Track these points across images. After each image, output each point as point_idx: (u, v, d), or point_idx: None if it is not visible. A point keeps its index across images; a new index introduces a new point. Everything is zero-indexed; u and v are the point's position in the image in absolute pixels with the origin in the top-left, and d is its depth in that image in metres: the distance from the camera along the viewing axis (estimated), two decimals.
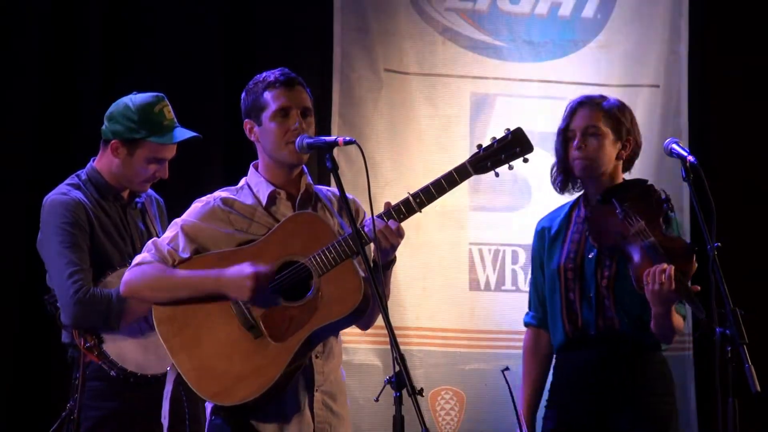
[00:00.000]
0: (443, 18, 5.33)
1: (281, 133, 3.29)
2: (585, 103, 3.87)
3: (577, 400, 3.79)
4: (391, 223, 3.19)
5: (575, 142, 3.83)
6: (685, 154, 3.62)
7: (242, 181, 3.39)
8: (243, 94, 3.38)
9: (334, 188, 3.46)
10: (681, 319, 3.72)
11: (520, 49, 5.40)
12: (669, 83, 5.51)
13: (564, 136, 3.87)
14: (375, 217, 3.18)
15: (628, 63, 5.49)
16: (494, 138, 3.30)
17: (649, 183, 3.86)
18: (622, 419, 3.73)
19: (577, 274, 3.79)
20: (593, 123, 3.82)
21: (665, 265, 3.55)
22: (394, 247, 3.22)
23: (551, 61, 5.42)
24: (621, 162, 3.90)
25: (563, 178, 3.92)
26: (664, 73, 5.51)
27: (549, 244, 3.89)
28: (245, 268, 3.16)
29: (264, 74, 3.35)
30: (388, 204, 3.25)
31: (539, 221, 4.00)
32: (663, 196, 3.80)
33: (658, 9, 5.53)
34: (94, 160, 3.84)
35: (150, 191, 3.94)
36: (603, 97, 3.90)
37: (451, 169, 3.26)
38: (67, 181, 3.81)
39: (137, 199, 3.89)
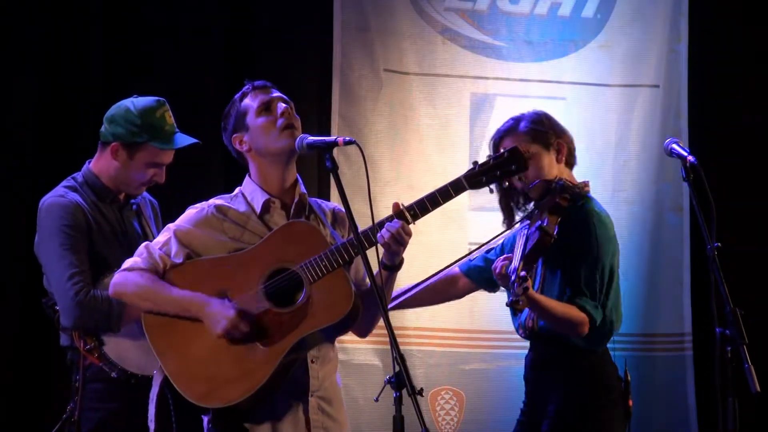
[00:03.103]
0: (443, 18, 5.33)
1: (272, 122, 3.32)
2: (505, 135, 3.84)
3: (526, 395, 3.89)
4: (396, 223, 3.20)
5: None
6: (685, 154, 3.62)
7: (236, 190, 3.41)
8: (222, 123, 3.42)
9: (327, 202, 3.51)
10: (580, 313, 3.70)
11: (520, 49, 5.40)
12: (669, 83, 5.51)
13: None
14: (376, 224, 3.21)
15: (628, 63, 5.49)
16: (490, 155, 3.31)
17: (558, 180, 3.84)
18: (545, 422, 3.76)
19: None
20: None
21: (500, 260, 3.61)
22: (404, 248, 3.23)
23: (551, 61, 5.42)
24: (562, 163, 3.89)
25: (509, 211, 3.92)
26: (664, 73, 5.51)
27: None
28: (229, 311, 3.17)
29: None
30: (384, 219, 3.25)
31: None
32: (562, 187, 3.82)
33: (658, 8, 5.53)
34: (89, 162, 3.84)
35: (144, 193, 3.94)
36: (517, 120, 3.88)
37: (447, 183, 3.27)
38: (64, 183, 3.80)
39: (132, 201, 3.88)
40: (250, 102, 3.35)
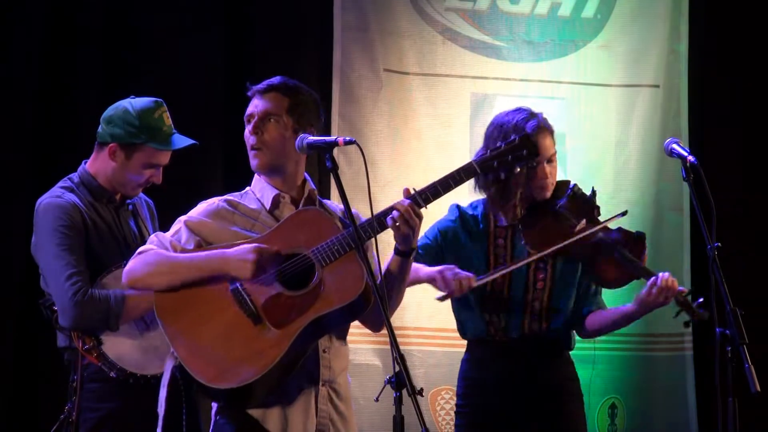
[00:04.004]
0: (443, 18, 5.33)
1: (246, 140, 3.37)
2: (541, 130, 3.79)
3: (493, 397, 3.79)
4: (404, 201, 3.20)
5: (543, 172, 3.80)
6: (685, 154, 3.63)
7: (246, 189, 3.42)
8: None
9: (335, 203, 3.50)
10: None
11: (520, 49, 5.40)
12: (669, 83, 5.51)
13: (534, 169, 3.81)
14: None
15: (628, 63, 5.49)
16: (501, 141, 3.33)
17: (572, 183, 3.86)
18: (536, 420, 3.76)
19: (507, 278, 3.80)
20: (553, 150, 3.83)
21: (669, 278, 3.57)
22: (414, 231, 3.22)
23: (551, 61, 5.42)
24: None
25: (512, 204, 3.84)
26: (664, 73, 5.51)
27: (471, 237, 3.85)
28: (247, 247, 3.18)
29: None
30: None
31: (455, 205, 3.95)
32: (590, 192, 3.83)
33: (658, 8, 5.53)
34: (85, 163, 3.83)
35: (140, 193, 3.93)
36: (539, 118, 3.83)
37: (458, 168, 3.28)
38: (60, 184, 3.80)
39: (128, 201, 3.88)
40: (247, 108, 3.39)
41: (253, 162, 3.35)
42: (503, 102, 5.32)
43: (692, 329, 5.42)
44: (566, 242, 3.72)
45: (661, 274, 3.67)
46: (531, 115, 3.82)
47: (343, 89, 5.18)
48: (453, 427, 5.18)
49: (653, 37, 5.50)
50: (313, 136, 3.26)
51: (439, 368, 5.19)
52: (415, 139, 5.26)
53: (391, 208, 3.21)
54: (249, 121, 3.36)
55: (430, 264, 3.79)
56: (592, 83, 5.45)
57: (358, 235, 3.10)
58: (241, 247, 3.19)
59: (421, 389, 2.83)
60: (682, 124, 5.52)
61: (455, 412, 3.89)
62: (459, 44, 5.34)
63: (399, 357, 2.84)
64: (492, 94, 5.35)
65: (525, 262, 3.75)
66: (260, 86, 3.38)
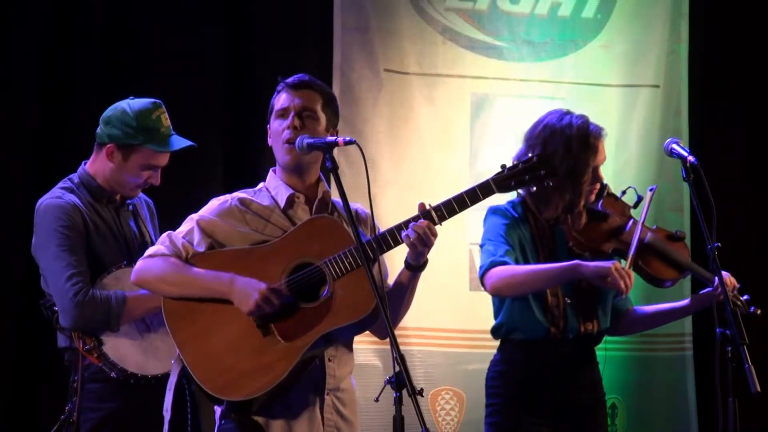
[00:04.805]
0: (443, 18, 5.33)
1: (278, 134, 3.31)
2: (602, 136, 3.78)
3: (532, 396, 3.78)
4: (422, 222, 3.19)
5: (601, 177, 3.81)
6: (685, 154, 3.63)
7: (260, 185, 3.40)
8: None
9: (353, 203, 3.47)
10: None
11: (520, 49, 5.40)
12: (669, 83, 5.52)
13: (595, 173, 3.80)
14: (412, 219, 3.20)
15: (628, 63, 5.49)
16: (519, 160, 3.32)
17: (604, 183, 3.85)
18: (569, 420, 3.76)
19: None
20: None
21: (731, 276, 3.67)
22: (429, 249, 3.22)
23: (551, 61, 5.42)
24: None
25: (578, 212, 3.81)
26: (664, 73, 5.51)
27: (525, 238, 3.83)
28: (257, 284, 3.15)
29: None
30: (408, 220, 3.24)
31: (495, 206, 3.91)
32: (620, 193, 3.86)
33: (658, 9, 5.53)
34: (85, 163, 3.83)
35: (140, 193, 3.93)
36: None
37: (475, 186, 3.26)
38: (60, 184, 3.80)
39: (128, 201, 3.88)
40: (276, 101, 3.34)
41: (286, 157, 3.30)
42: (503, 102, 5.33)
43: (692, 329, 5.43)
44: (634, 247, 3.68)
45: (724, 274, 3.65)
46: (586, 118, 3.79)
47: (343, 89, 5.18)
48: (453, 428, 5.21)
49: (653, 37, 5.51)
50: (311, 137, 3.25)
51: (439, 368, 5.19)
52: (415, 139, 5.26)
53: (406, 224, 3.19)
54: (282, 116, 3.31)
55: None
56: (592, 83, 5.45)
57: (364, 250, 3.09)
58: (250, 284, 3.15)
59: (421, 389, 2.82)
60: (682, 124, 5.52)
61: (488, 412, 3.87)
62: (459, 44, 5.34)
63: (399, 357, 2.84)
64: (492, 94, 5.36)
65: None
66: (293, 81, 3.34)
